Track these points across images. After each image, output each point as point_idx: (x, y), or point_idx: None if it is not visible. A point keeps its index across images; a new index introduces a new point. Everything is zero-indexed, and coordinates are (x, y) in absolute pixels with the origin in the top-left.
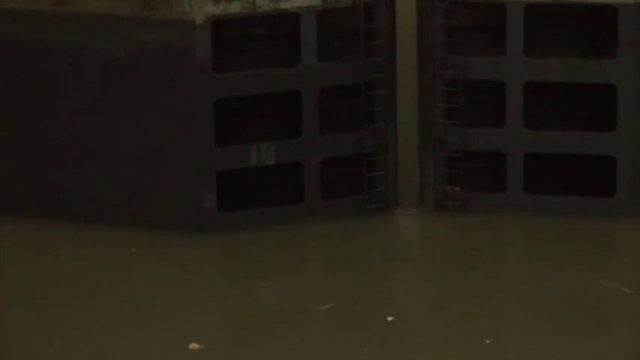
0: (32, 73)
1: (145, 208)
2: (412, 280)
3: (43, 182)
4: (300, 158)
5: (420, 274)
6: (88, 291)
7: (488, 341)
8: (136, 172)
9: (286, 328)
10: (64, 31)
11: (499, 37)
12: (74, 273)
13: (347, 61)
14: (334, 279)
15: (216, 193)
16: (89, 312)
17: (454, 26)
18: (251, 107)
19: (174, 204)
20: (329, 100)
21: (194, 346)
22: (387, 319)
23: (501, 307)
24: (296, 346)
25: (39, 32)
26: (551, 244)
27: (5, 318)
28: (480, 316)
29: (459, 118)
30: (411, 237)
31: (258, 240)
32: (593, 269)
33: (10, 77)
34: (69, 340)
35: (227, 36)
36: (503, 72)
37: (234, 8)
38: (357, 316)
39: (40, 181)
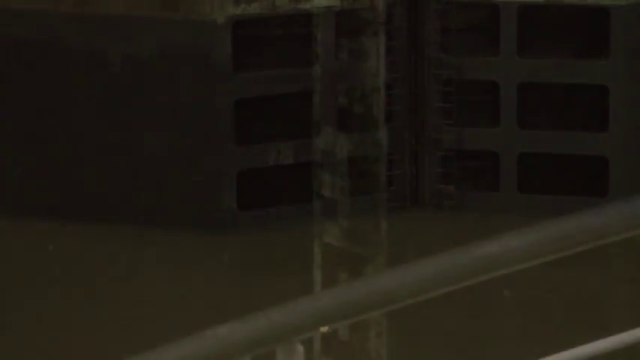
0: (54, 74)
1: (166, 207)
2: None
3: (62, 181)
4: (319, 157)
5: None
6: (115, 288)
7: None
8: (157, 172)
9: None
10: (85, 32)
11: (493, 38)
12: (99, 272)
13: (364, 61)
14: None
15: (236, 192)
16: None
17: (449, 27)
18: (270, 106)
19: (194, 203)
20: (347, 100)
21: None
22: None
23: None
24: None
25: (60, 33)
26: None
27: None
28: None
29: (454, 118)
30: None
31: (278, 238)
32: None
33: (32, 78)
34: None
35: (247, 36)
36: (497, 72)
37: (254, 9)
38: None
39: (59, 180)
